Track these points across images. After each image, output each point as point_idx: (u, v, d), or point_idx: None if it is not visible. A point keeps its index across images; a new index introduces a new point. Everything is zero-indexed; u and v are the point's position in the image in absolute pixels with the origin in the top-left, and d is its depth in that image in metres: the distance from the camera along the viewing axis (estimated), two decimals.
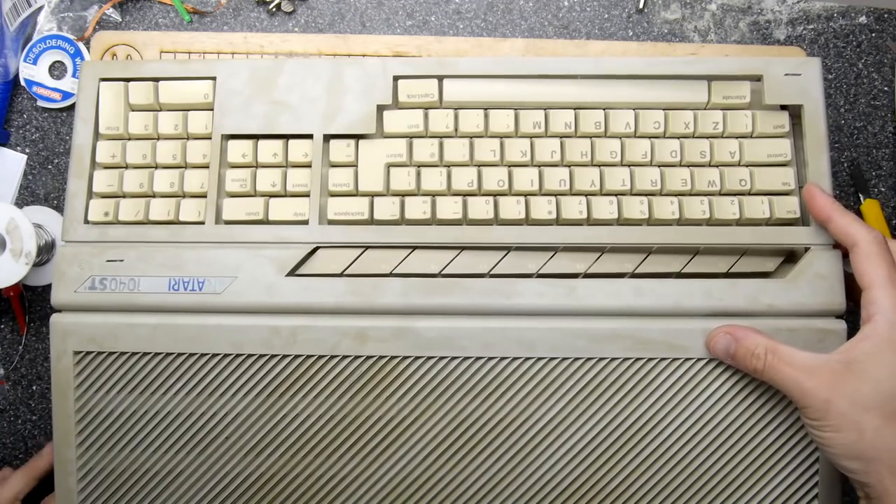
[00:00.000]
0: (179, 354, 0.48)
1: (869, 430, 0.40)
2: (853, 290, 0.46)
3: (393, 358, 0.48)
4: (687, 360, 0.47)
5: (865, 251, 0.43)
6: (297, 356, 0.48)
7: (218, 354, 0.48)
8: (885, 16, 0.60)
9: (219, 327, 0.48)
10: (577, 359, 0.48)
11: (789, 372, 0.43)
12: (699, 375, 0.48)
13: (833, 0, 0.60)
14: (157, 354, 0.48)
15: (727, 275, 0.48)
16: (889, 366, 0.41)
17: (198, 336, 0.48)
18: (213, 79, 0.51)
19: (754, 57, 0.55)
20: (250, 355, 0.48)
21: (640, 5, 0.60)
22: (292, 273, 0.48)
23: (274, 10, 0.60)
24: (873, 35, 0.60)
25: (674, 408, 0.48)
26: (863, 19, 0.61)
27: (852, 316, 0.50)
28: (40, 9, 0.59)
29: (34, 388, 0.59)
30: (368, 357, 0.48)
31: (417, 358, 0.48)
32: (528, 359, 0.48)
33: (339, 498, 0.49)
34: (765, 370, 0.44)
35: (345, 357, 0.48)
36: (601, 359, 0.48)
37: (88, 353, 0.48)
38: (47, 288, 0.57)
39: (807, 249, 0.48)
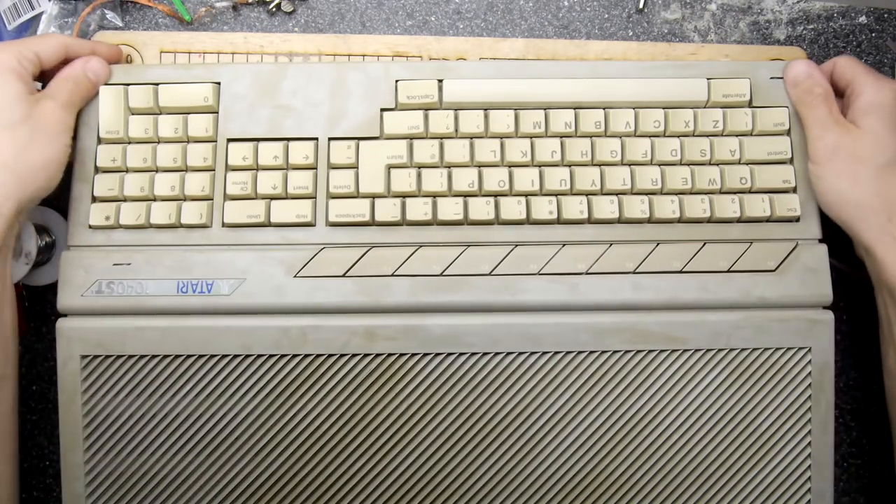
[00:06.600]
0: (189, 356, 0.51)
1: (863, 178, 0.50)
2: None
3: (402, 355, 0.52)
4: (685, 350, 0.52)
5: (843, 63, 0.54)
6: (306, 356, 0.52)
7: (228, 355, 0.52)
8: (885, 16, 0.63)
9: (228, 328, 0.52)
10: (580, 352, 0.52)
11: (823, 112, 0.52)
12: (697, 366, 0.52)
13: (833, 0, 0.62)
14: (165, 357, 0.51)
15: (727, 272, 0.53)
16: (886, 124, 0.51)
17: (207, 338, 0.51)
18: (217, 83, 0.54)
19: (750, 61, 0.59)
20: (260, 356, 0.52)
21: (640, 5, 0.63)
22: (300, 274, 0.52)
23: (274, 10, 0.63)
24: (873, 35, 0.63)
25: (673, 396, 0.52)
26: (863, 19, 0.64)
27: (839, 308, 0.56)
28: (41, 14, 0.61)
29: (34, 388, 0.60)
30: (378, 355, 0.52)
31: (426, 354, 0.52)
32: (533, 353, 0.52)
33: (351, 495, 0.52)
34: (810, 102, 0.53)
35: (354, 355, 0.52)
36: (603, 351, 0.52)
37: (96, 356, 0.51)
38: (47, 288, 0.58)
39: (796, 244, 0.53)
